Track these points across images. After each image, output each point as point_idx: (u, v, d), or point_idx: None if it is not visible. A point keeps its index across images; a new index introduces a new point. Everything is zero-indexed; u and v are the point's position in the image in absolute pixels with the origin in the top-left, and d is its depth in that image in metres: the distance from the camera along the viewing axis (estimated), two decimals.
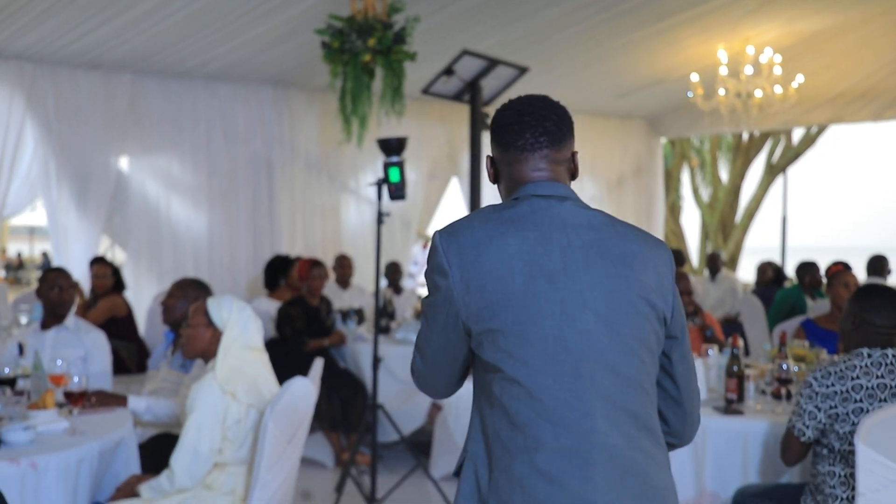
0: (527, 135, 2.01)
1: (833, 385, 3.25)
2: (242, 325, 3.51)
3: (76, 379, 3.81)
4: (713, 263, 10.29)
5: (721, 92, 9.58)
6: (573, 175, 2.10)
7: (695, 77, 9.56)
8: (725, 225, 17.73)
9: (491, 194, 10.59)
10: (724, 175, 18.36)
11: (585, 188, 12.11)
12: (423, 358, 2.07)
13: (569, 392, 1.84)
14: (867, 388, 3.22)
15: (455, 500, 1.96)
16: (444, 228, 1.99)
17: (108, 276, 7.07)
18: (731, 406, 4.07)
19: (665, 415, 2.05)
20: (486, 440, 1.91)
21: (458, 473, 2.00)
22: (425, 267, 2.00)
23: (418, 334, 2.06)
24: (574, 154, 2.09)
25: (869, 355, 3.29)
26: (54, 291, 4.89)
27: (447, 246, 1.94)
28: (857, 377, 3.24)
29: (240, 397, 3.37)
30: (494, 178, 2.11)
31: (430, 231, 11.55)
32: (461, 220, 2.00)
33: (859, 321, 3.36)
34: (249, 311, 3.58)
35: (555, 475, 1.81)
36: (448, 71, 7.07)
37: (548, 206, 1.96)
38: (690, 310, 5.54)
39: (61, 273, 5.02)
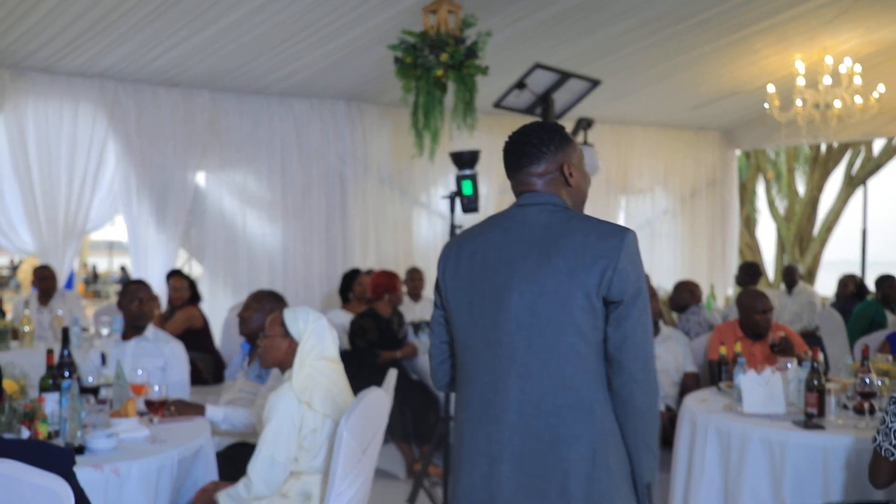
0: (511, 159, 2.48)
1: None
2: (318, 335, 3.55)
3: (156, 388, 3.90)
4: (789, 276, 10.07)
5: (798, 103, 9.39)
6: (567, 183, 2.45)
7: (771, 88, 9.39)
8: (803, 238, 17.34)
9: None
10: (800, 187, 17.97)
11: (658, 200, 12.00)
12: (431, 353, 2.64)
13: (491, 357, 2.35)
14: None
15: None
16: (450, 241, 2.59)
17: (184, 289, 7.22)
18: (812, 420, 3.98)
19: (608, 372, 2.34)
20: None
21: None
22: None
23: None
24: (563, 165, 2.44)
25: None
26: (135, 304, 5.00)
27: (443, 252, 2.54)
28: None
29: (315, 407, 3.41)
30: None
31: None
32: (467, 228, 2.56)
33: None
34: (325, 321, 3.62)
35: (474, 419, 2.37)
36: (520, 84, 7.08)
37: (518, 212, 2.42)
38: (765, 327, 5.36)
39: (142, 285, 5.13)
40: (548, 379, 2.29)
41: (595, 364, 2.31)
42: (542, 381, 2.29)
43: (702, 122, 11.94)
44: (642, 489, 2.40)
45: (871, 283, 10.92)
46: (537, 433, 2.28)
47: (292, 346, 3.56)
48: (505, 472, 2.29)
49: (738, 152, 13.42)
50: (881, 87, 9.40)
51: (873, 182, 16.45)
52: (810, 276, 16.58)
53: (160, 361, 4.92)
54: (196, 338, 6.89)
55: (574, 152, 2.47)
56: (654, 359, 2.37)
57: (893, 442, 3.18)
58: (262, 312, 4.61)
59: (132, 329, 5.03)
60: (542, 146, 2.44)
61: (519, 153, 2.45)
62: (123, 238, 9.48)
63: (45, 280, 7.53)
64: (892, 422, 3.19)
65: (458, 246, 2.48)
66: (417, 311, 8.06)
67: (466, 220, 6.03)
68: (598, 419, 2.29)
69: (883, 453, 3.21)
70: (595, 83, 7.34)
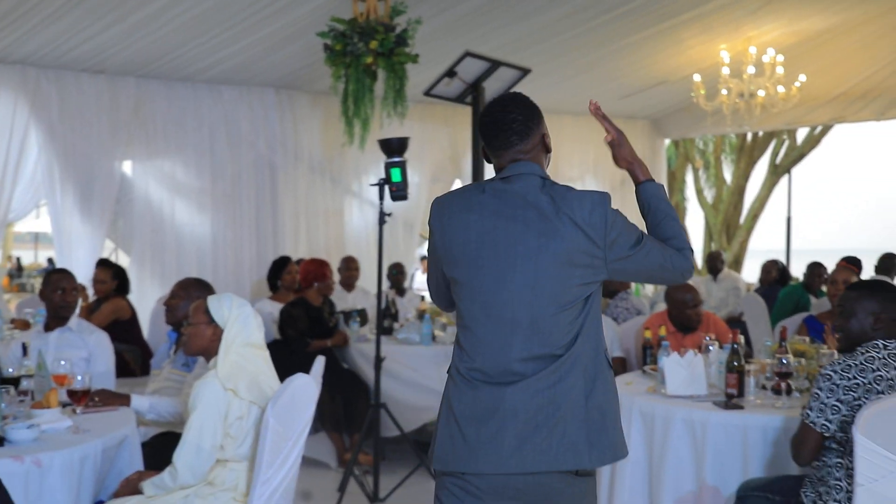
0: (500, 138, 2.55)
1: (855, 377, 3.27)
2: (242, 321, 3.53)
3: (79, 378, 3.84)
4: (713, 263, 10.29)
5: (724, 92, 9.59)
6: (548, 149, 2.62)
7: (697, 77, 9.57)
8: (730, 226, 17.71)
9: None
10: (727, 176, 18.35)
11: (588, 188, 12.11)
12: (429, 282, 2.79)
13: (494, 330, 2.48)
14: (887, 378, 3.24)
15: None
16: (438, 197, 2.69)
17: (108, 281, 7.07)
18: (731, 401, 4.08)
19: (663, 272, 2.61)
20: (452, 354, 2.63)
21: None
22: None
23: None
24: (544, 135, 2.60)
25: (885, 346, 3.32)
26: (57, 294, 4.92)
27: (433, 211, 2.65)
28: (877, 368, 3.26)
29: (241, 394, 3.39)
30: (487, 160, 2.66)
31: None
32: (450, 192, 2.66)
33: (886, 317, 3.38)
34: (249, 308, 3.60)
35: (476, 384, 2.50)
36: (450, 73, 7.09)
37: (507, 185, 2.52)
38: (696, 321, 5.44)
39: (65, 275, 5.04)
40: (546, 347, 2.46)
41: (575, 326, 2.50)
42: (541, 351, 2.46)
43: (631, 111, 12.10)
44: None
45: (795, 270, 11.22)
46: (537, 391, 2.45)
47: (217, 333, 3.53)
48: (510, 427, 2.44)
49: (666, 141, 13.65)
50: (802, 77, 9.63)
51: (797, 170, 16.86)
52: (737, 264, 16.96)
53: (84, 352, 4.85)
54: (123, 329, 6.78)
55: (543, 119, 2.61)
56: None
57: (829, 416, 3.28)
58: (189, 300, 4.54)
59: (55, 320, 4.95)
60: (529, 122, 2.56)
61: (508, 131, 2.53)
62: (49, 229, 9.27)
63: None
64: (827, 397, 3.29)
65: (449, 215, 2.58)
66: (350, 300, 8.04)
67: (396, 208, 6.08)
68: (586, 374, 2.50)
69: (818, 428, 3.30)
70: (525, 72, 7.39)
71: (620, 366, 5.49)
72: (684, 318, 5.39)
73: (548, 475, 2.43)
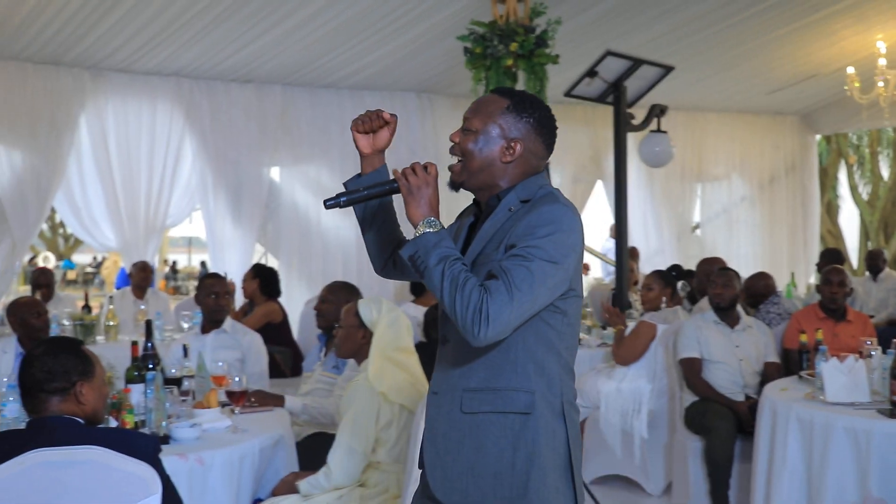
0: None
1: None
2: (392, 325, 3.57)
3: (237, 379, 3.96)
4: (875, 262, 9.79)
5: (880, 84, 9.13)
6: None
7: (851, 70, 9.15)
8: (887, 224, 16.87)
9: (637, 196, 10.43)
10: (884, 171, 17.48)
11: (735, 188, 11.78)
12: (519, 304, 2.07)
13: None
14: None
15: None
16: (573, 206, 2.22)
17: (248, 280, 7.27)
18: None
19: None
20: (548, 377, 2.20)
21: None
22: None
23: (521, 282, 2.07)
24: None
25: None
26: (211, 298, 5.10)
27: (579, 223, 2.19)
28: None
29: (391, 396, 3.43)
30: (512, 158, 2.28)
31: None
32: (567, 199, 2.23)
33: None
34: (399, 312, 3.64)
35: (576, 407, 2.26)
36: (591, 72, 7.00)
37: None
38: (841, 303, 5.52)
39: (217, 280, 5.22)
40: None
41: None
42: None
43: (779, 107, 11.67)
44: None
45: None
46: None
47: (367, 336, 3.59)
48: None
49: (817, 137, 13.11)
50: None
51: None
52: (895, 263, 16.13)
53: (238, 354, 5.01)
54: (275, 332, 6.96)
55: None
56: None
57: None
58: (338, 304, 4.65)
59: (210, 323, 5.13)
60: None
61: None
62: (201, 234, 9.66)
63: (143, 272, 7.82)
64: None
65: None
66: None
67: None
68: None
69: None
70: (668, 69, 7.23)
71: (776, 371, 5.30)
72: (829, 298, 5.48)
73: None
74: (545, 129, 2.32)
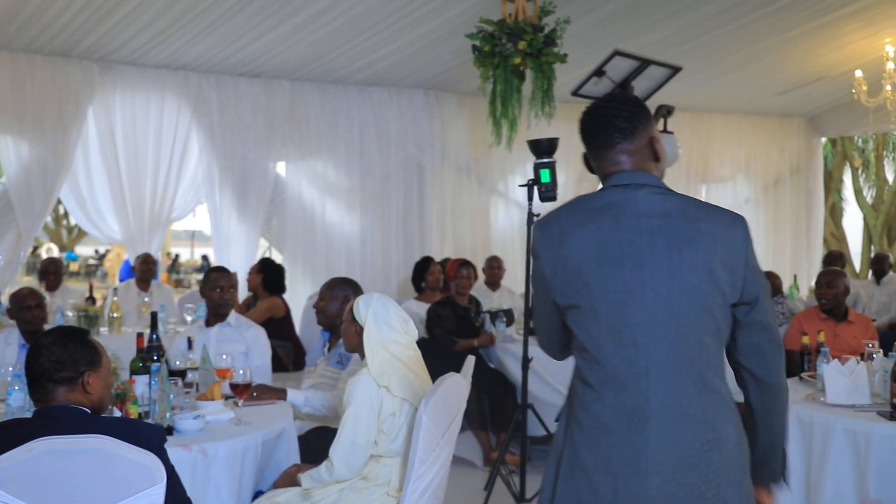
0: (601, 134, 2.32)
1: None
2: (382, 320, 3.58)
3: (241, 372, 3.99)
4: (879, 265, 9.80)
5: (888, 88, 9.13)
6: (657, 157, 2.34)
7: (859, 73, 9.15)
8: (891, 228, 16.86)
9: None
10: (889, 175, 17.47)
11: (740, 189, 11.78)
12: (537, 325, 2.44)
13: (627, 360, 2.17)
14: None
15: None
16: (540, 219, 2.36)
17: (253, 274, 7.35)
18: None
19: (747, 364, 2.33)
20: (570, 397, 2.31)
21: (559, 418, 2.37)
22: None
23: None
24: (652, 139, 2.32)
25: None
26: (216, 292, 5.12)
27: (539, 234, 2.30)
28: None
29: (393, 391, 3.46)
30: (591, 170, 2.42)
31: None
32: (555, 210, 2.34)
33: None
34: (392, 307, 3.65)
35: (611, 426, 2.16)
36: (599, 72, 7.00)
37: (624, 196, 2.24)
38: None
39: (222, 274, 5.24)
40: (691, 382, 2.18)
41: (720, 359, 2.26)
42: (686, 385, 2.17)
43: (786, 109, 11.67)
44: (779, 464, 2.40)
45: None
46: (687, 439, 2.15)
47: (359, 331, 3.62)
48: (653, 484, 2.13)
49: (823, 139, 13.10)
50: None
51: None
52: None
53: (242, 347, 5.04)
54: (278, 326, 7.00)
55: (654, 124, 2.37)
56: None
57: None
58: (335, 301, 4.67)
59: (215, 316, 5.15)
60: (634, 120, 2.30)
61: (610, 128, 2.29)
62: (204, 228, 9.69)
63: (147, 265, 7.87)
64: None
65: (560, 234, 2.25)
66: (495, 299, 8.07)
67: (544, 209, 6.06)
68: (737, 419, 2.26)
69: None
70: (676, 70, 7.23)
71: None
72: (828, 299, 5.52)
73: None
74: (579, 131, 2.41)
